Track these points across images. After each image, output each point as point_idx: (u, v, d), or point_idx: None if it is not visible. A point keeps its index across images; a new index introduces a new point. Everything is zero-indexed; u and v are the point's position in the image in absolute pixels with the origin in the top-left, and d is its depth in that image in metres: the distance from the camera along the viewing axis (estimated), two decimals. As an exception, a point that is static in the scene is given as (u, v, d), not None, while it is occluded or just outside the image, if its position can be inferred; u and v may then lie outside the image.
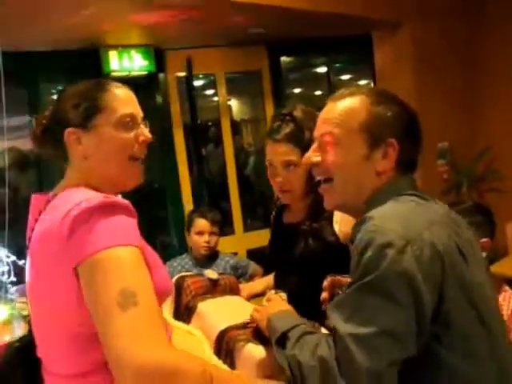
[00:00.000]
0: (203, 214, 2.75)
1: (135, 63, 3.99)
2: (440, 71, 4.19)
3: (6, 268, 3.17)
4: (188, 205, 4.28)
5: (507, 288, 1.93)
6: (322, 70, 4.98)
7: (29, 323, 1.17)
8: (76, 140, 1.13)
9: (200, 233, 2.70)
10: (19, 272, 3.21)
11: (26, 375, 1.15)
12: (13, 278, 3.17)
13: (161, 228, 4.44)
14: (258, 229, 4.53)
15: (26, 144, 4.19)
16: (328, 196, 1.16)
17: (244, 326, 1.34)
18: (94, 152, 1.13)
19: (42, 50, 3.75)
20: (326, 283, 1.33)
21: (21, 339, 1.22)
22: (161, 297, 1.03)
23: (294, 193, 1.62)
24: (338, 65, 4.98)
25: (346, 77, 5.42)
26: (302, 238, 1.62)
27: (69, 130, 1.12)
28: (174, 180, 4.35)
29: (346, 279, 1.04)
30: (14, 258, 3.17)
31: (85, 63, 3.87)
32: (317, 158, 1.14)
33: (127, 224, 1.00)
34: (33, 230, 1.11)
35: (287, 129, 1.60)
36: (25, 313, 2.63)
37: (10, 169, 3.01)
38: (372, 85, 4.66)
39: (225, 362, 1.28)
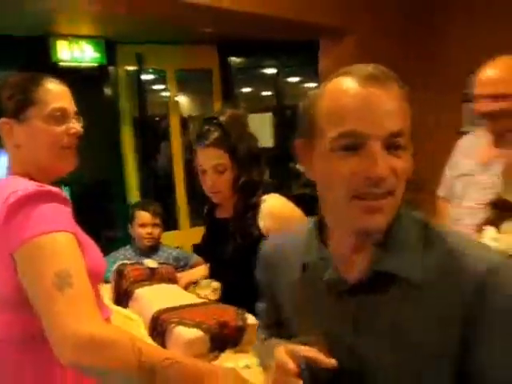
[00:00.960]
0: (145, 207, 2.84)
1: (85, 54, 3.98)
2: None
3: None
4: (134, 199, 4.31)
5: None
6: (271, 71, 5.12)
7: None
8: (9, 130, 1.19)
9: (143, 225, 2.79)
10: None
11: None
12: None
13: (106, 222, 4.44)
14: (203, 224, 4.59)
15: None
16: (387, 212, 0.84)
17: (174, 309, 1.44)
18: (26, 142, 1.20)
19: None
20: (282, 354, 0.92)
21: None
22: (95, 276, 1.12)
23: (223, 193, 1.72)
24: (286, 68, 5.13)
25: (293, 79, 5.57)
26: (232, 235, 1.72)
27: (2, 119, 1.19)
28: (120, 174, 4.37)
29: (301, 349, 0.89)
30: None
31: (34, 51, 3.82)
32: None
33: (60, 211, 1.08)
34: None
35: (215, 134, 1.66)
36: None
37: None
38: (317, 86, 4.83)
39: (156, 342, 1.37)
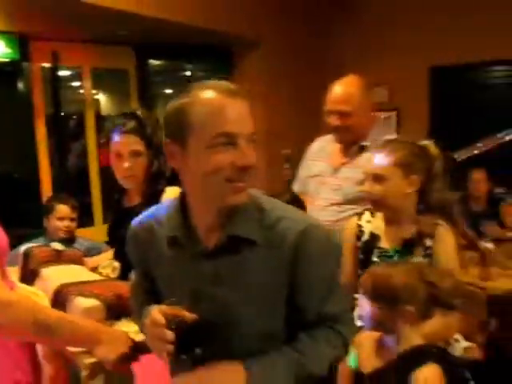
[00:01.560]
0: (64, 201, 2.91)
1: (-3, 49, 3.97)
2: (289, 79, 4.75)
3: None
4: (47, 197, 4.31)
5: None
6: (186, 74, 5.32)
7: None
8: None
9: (61, 218, 2.86)
10: None
11: None
12: None
13: (18, 219, 4.40)
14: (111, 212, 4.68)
15: None
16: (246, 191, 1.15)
17: (76, 283, 1.60)
18: None
19: None
20: (155, 313, 1.10)
21: None
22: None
23: (136, 178, 1.89)
24: (201, 71, 5.35)
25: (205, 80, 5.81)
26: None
27: None
28: (33, 171, 4.35)
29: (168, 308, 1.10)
30: None
31: None
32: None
33: None
34: None
35: (133, 123, 1.86)
36: None
37: None
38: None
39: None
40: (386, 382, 1.50)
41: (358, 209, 2.11)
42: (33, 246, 1.85)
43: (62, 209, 2.88)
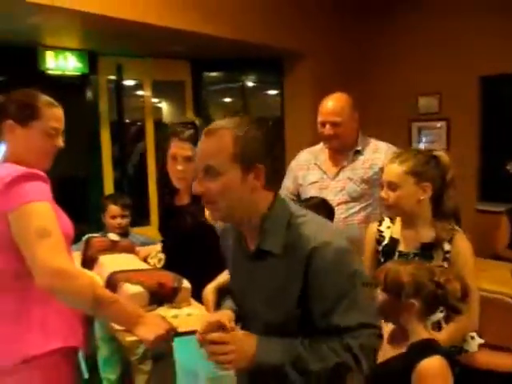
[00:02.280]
0: (115, 201, 3.25)
1: (69, 64, 4.42)
2: (335, 91, 4.93)
3: None
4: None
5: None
6: (239, 84, 5.63)
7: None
8: (11, 129, 1.64)
9: (113, 217, 3.23)
10: None
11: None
12: None
13: (82, 217, 4.83)
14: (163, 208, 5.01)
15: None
16: (220, 211, 1.37)
17: (125, 271, 1.90)
18: (23, 142, 1.65)
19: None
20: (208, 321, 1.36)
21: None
22: (65, 236, 1.56)
23: (187, 180, 2.13)
24: (253, 82, 5.65)
25: (259, 92, 6.10)
26: (184, 219, 2.15)
27: (9, 121, 1.64)
28: (98, 173, 4.79)
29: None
30: None
31: (24, 61, 4.22)
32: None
33: (43, 187, 1.54)
34: None
35: (189, 132, 2.14)
36: None
37: None
38: (281, 100, 5.36)
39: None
40: (393, 371, 1.62)
41: (363, 204, 2.58)
42: (92, 236, 2.18)
43: (113, 208, 3.21)
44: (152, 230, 4.90)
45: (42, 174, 1.57)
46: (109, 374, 3.15)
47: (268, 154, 1.30)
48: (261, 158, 1.28)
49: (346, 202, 2.62)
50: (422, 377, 1.53)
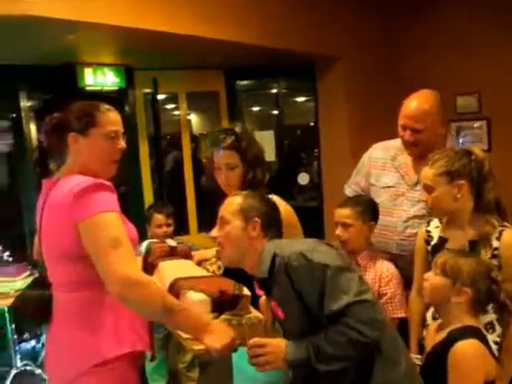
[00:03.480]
0: (159, 210, 3.31)
1: (108, 80, 4.51)
2: (370, 95, 4.89)
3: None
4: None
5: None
6: (272, 92, 5.65)
7: (43, 266, 1.73)
8: (75, 140, 1.68)
9: (159, 226, 3.27)
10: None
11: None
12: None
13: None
14: (210, 230, 5.06)
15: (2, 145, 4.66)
16: None
17: (187, 278, 1.90)
18: (86, 152, 1.68)
19: (24, 63, 4.22)
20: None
21: (37, 279, 1.79)
22: (131, 242, 1.59)
23: (233, 187, 2.15)
24: (286, 89, 5.65)
25: (292, 99, 6.10)
26: None
27: (71, 134, 1.68)
28: (138, 186, 4.87)
29: None
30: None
31: (62, 77, 4.33)
32: None
33: (110, 197, 1.58)
34: (42, 208, 1.67)
35: (230, 140, 2.15)
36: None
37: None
38: (315, 107, 5.34)
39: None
40: (435, 356, 1.70)
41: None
42: (152, 242, 2.20)
43: (159, 217, 3.27)
44: (191, 239, 4.96)
45: (108, 184, 1.60)
46: (157, 382, 3.18)
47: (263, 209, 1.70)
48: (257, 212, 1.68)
49: (421, 217, 2.30)
50: (455, 358, 1.59)
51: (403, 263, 2.30)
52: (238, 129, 2.20)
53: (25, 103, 4.33)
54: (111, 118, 1.72)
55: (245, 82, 5.47)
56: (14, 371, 3.36)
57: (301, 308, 1.55)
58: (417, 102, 2.31)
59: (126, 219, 1.69)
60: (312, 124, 5.36)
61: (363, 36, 4.88)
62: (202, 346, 1.58)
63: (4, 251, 3.77)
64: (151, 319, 1.68)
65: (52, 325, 1.69)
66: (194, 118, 6.02)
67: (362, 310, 1.46)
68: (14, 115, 4.35)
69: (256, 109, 5.98)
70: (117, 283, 1.45)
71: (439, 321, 1.82)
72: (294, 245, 1.61)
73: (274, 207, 1.75)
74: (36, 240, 1.75)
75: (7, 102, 4.35)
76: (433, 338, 1.79)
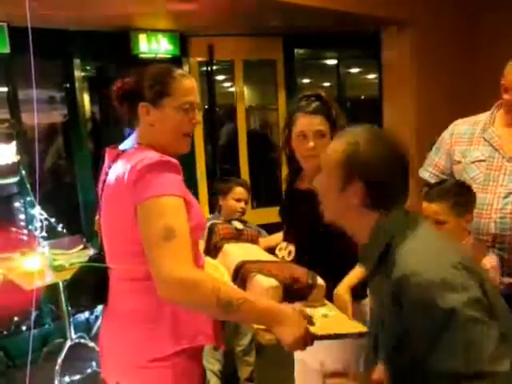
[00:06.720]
0: (241, 183, 3.04)
1: (161, 47, 4.35)
2: (442, 66, 4.52)
3: (38, 224, 3.58)
4: (201, 177, 4.67)
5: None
6: (333, 62, 5.33)
7: (101, 244, 1.57)
8: (146, 112, 1.49)
9: (238, 200, 2.99)
10: (49, 229, 3.63)
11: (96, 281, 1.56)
12: (44, 234, 3.59)
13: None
14: (266, 206, 4.90)
15: (56, 116, 4.60)
16: None
17: (256, 261, 1.72)
18: (157, 124, 1.49)
19: (78, 29, 4.09)
20: None
21: (93, 257, 1.63)
22: (197, 230, 1.41)
23: (318, 159, 1.88)
24: (347, 59, 5.32)
25: (354, 70, 5.76)
26: (312, 201, 1.92)
27: (142, 103, 1.48)
28: (190, 155, 4.73)
29: None
30: (45, 215, 3.58)
31: (115, 44, 4.21)
32: None
33: (174, 179, 1.37)
34: (104, 181, 1.50)
35: (317, 103, 1.86)
36: (56, 263, 3.04)
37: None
38: (378, 79, 5.00)
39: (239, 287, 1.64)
40: None
41: None
42: (217, 223, 2.02)
43: (240, 191, 2.98)
44: (247, 216, 4.81)
45: (175, 162, 1.39)
46: (212, 365, 3.06)
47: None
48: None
49: None
50: None
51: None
52: (323, 93, 1.89)
53: (79, 73, 4.23)
54: (187, 86, 1.50)
55: (304, 51, 5.18)
56: (68, 343, 3.31)
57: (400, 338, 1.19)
58: None
59: (193, 200, 1.49)
60: (375, 98, 5.02)
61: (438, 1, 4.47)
62: (273, 337, 1.40)
63: (58, 223, 3.70)
64: (208, 317, 1.49)
65: (108, 308, 1.56)
66: (248, 88, 5.79)
67: None
68: (68, 85, 4.24)
69: (314, 80, 5.68)
70: (164, 285, 1.27)
71: None
72: (422, 255, 1.17)
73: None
74: (98, 213, 1.60)
75: (61, 71, 4.26)
76: None
